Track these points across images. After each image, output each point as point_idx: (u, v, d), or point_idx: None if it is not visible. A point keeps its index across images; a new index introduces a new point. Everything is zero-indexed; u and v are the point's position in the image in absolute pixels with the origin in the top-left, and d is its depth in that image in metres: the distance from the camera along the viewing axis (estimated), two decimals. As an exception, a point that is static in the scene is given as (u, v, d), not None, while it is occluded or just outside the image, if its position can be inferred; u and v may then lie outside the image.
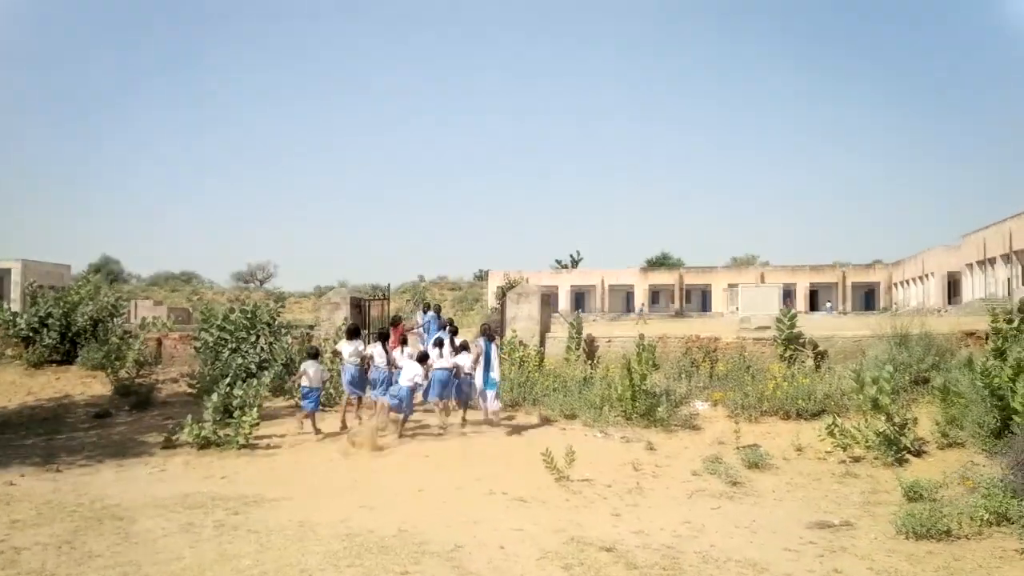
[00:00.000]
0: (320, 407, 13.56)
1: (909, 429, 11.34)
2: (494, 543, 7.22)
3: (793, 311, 15.34)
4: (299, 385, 13.23)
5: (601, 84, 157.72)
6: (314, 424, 12.93)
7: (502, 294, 40.66)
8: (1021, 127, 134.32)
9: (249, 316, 17.20)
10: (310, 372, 12.92)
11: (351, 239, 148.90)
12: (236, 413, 12.30)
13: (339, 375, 14.30)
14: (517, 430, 13.09)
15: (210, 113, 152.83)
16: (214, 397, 12.33)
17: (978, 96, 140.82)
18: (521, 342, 16.79)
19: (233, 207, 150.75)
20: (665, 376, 15.15)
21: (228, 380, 13.21)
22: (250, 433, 12.07)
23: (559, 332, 18.00)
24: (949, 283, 56.41)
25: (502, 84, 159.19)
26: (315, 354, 13.49)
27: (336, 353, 14.11)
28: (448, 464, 10.94)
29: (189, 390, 16.60)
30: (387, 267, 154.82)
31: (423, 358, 12.88)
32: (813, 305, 70.84)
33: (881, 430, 10.96)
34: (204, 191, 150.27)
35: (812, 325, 23.03)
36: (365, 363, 13.47)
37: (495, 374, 13.51)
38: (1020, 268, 41.80)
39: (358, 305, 19.64)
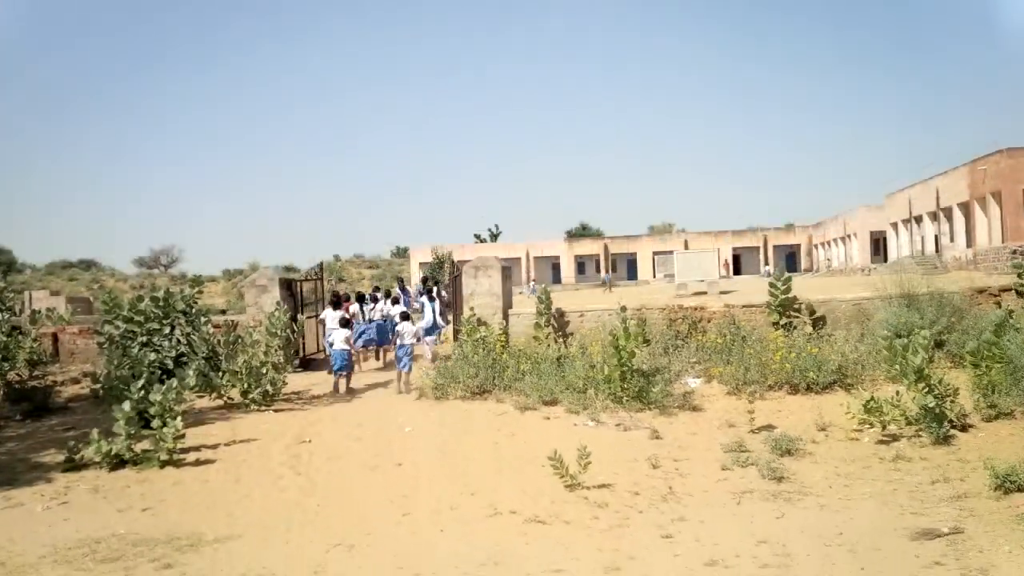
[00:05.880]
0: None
1: (952, 401, 9.94)
2: (537, 598, 5.33)
3: (788, 275, 13.84)
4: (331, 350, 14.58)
5: (512, 56, 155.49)
6: (337, 384, 13.96)
7: (435, 269, 38.64)
8: (929, 88, 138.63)
9: (161, 304, 14.67)
10: (337, 337, 14.20)
11: (257, 218, 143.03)
12: (155, 422, 9.99)
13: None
14: (495, 422, 11.21)
15: (105, 92, 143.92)
16: (126, 405, 9.98)
17: (885, 60, 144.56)
18: (480, 320, 14.83)
19: (132, 189, 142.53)
20: (649, 352, 13.45)
21: (142, 381, 10.88)
22: (175, 447, 9.79)
23: (521, 307, 16.12)
24: (874, 242, 56.94)
25: (413, 57, 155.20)
26: (347, 323, 14.65)
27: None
28: (428, 472, 8.97)
29: (93, 392, 14.07)
30: (297, 246, 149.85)
31: (406, 316, 14.73)
32: (737, 270, 70.97)
33: (928, 403, 9.47)
34: (100, 172, 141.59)
35: (754, 289, 21.79)
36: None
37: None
38: (949, 225, 42.02)
39: (289, 286, 17.29)
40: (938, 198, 42.78)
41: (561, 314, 15.15)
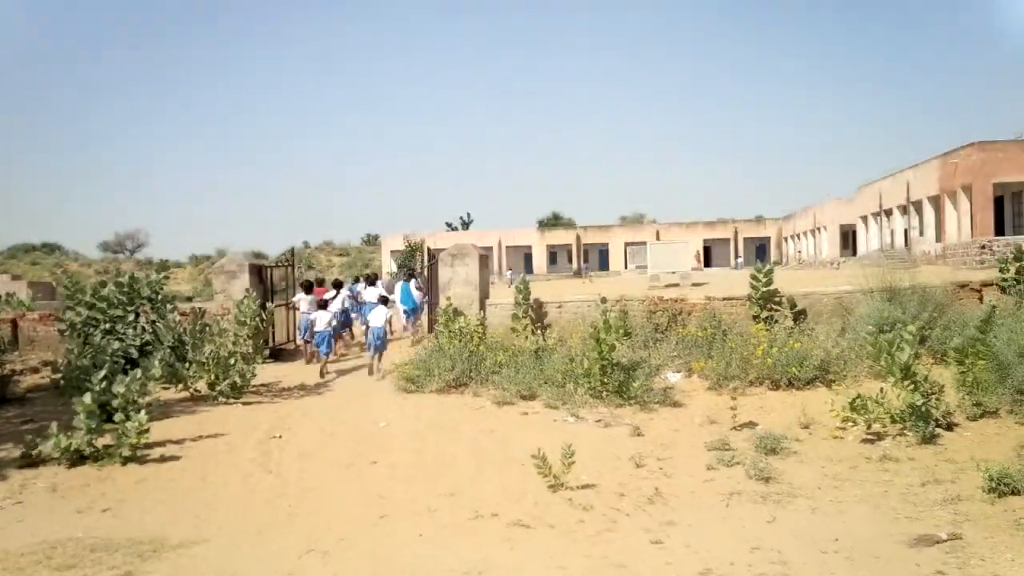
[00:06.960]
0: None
1: (938, 399, 9.80)
2: (526, 612, 5.03)
3: (769, 267, 13.63)
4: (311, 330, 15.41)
5: (485, 44, 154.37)
6: (323, 368, 14.54)
7: (408, 257, 38.14)
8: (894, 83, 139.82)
9: (126, 290, 14.11)
10: (320, 319, 14.87)
11: (226, 204, 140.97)
12: (118, 415, 9.54)
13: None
14: (473, 417, 10.90)
15: (72, 75, 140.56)
16: (87, 397, 9.50)
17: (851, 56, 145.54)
18: (457, 310, 14.46)
19: (98, 171, 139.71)
20: (629, 345, 13.19)
21: (104, 371, 10.39)
22: (138, 442, 9.35)
23: (499, 298, 15.79)
24: (843, 236, 57.25)
25: (384, 45, 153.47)
26: (324, 305, 15.26)
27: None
28: (405, 471, 8.65)
29: (53, 382, 13.51)
30: (267, 233, 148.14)
31: (384, 300, 15.53)
32: (708, 261, 71.18)
33: (916, 402, 9.31)
34: (65, 154, 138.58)
35: (727, 281, 21.72)
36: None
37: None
38: (919, 219, 42.29)
39: (259, 272, 16.81)
40: (909, 191, 43.02)
41: (540, 305, 14.83)
